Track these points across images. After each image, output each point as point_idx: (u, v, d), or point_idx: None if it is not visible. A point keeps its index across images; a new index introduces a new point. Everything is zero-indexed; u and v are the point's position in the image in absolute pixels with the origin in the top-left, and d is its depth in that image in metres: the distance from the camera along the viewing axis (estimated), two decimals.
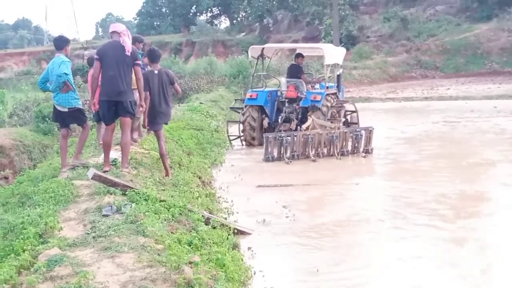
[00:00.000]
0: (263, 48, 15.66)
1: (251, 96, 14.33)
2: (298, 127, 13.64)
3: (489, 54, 39.28)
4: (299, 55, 15.05)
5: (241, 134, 14.57)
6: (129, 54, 7.50)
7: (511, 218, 8.24)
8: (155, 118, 8.60)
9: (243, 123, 14.41)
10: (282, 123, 14.06)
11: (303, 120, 13.88)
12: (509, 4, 42.21)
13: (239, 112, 15.12)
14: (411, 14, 46.92)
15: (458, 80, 35.87)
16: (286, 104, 14.28)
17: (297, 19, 56.36)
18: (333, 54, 14.90)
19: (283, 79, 15.06)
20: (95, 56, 7.66)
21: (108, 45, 7.71)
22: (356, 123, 14.98)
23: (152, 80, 8.41)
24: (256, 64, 15.78)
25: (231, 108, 16.45)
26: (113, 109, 7.64)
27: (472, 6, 46.79)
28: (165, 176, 8.54)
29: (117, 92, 7.53)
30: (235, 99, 16.90)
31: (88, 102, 14.42)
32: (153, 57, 8.70)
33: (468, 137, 15.09)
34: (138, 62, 7.69)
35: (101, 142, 8.62)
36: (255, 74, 16.09)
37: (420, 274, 6.20)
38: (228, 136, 14.91)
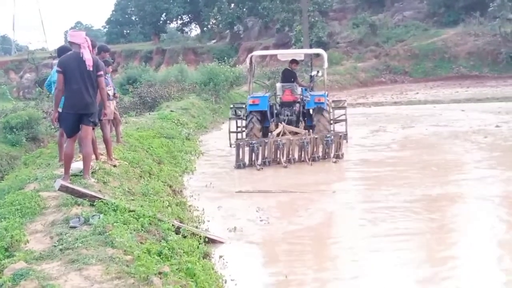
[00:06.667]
0: (252, 56, 15.98)
1: (253, 102, 14.41)
2: (310, 129, 14.07)
3: (457, 59, 39.96)
4: (294, 61, 15.53)
5: (245, 137, 14.54)
6: (91, 69, 7.46)
7: (487, 217, 8.35)
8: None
9: (247, 129, 14.46)
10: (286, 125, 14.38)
11: (308, 122, 14.61)
12: (475, 9, 43.00)
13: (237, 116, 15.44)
14: (380, 20, 47.44)
15: (427, 84, 36.38)
16: (282, 107, 14.64)
17: (268, 26, 56.53)
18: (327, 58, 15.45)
19: (278, 84, 15.44)
20: (57, 69, 7.58)
21: (70, 57, 7.56)
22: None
23: None
24: (251, 70, 15.99)
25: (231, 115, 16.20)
26: (77, 121, 7.62)
27: (439, 12, 47.54)
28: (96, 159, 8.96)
29: (84, 104, 7.51)
30: (233, 104, 16.85)
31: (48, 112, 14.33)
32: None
33: (437, 141, 15.28)
34: (100, 73, 7.65)
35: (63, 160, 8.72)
36: (253, 81, 16.37)
37: (394, 283, 6.20)
38: (230, 133, 15.07)
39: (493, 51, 39.07)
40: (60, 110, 7.67)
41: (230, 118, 15.80)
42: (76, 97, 7.47)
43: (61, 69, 7.48)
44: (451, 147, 14.29)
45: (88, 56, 7.44)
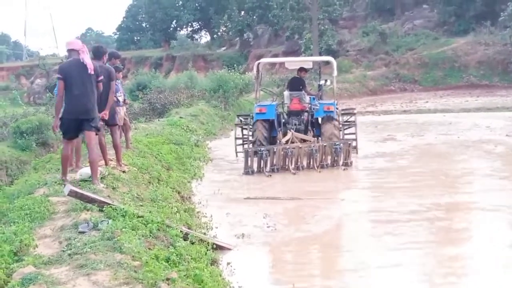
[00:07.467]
0: (259, 63, 15.68)
1: (260, 110, 14.14)
2: (318, 137, 13.77)
3: (467, 68, 39.82)
4: (302, 69, 15.22)
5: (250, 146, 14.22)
6: (92, 72, 7.53)
7: (497, 227, 8.29)
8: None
9: (254, 137, 14.18)
10: None
11: (316, 131, 14.27)
12: (486, 18, 42.89)
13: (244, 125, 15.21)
14: (390, 28, 47.40)
15: (437, 93, 36.28)
16: (290, 116, 14.36)
17: (277, 34, 56.62)
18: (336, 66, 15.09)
19: (286, 92, 15.10)
20: (58, 76, 7.63)
21: (70, 64, 7.64)
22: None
23: None
24: (258, 78, 15.64)
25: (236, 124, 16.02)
26: (77, 127, 7.71)
27: (449, 20, 47.42)
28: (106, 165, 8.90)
29: (85, 110, 7.59)
30: (238, 115, 16.70)
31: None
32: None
33: (446, 150, 15.21)
34: (101, 78, 7.75)
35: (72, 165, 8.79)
36: (259, 89, 16.04)
37: None
38: (236, 146, 14.86)
39: (503, 60, 38.95)
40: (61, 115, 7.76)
41: (236, 125, 15.60)
42: (77, 102, 7.55)
43: (62, 75, 7.53)
44: (460, 156, 14.23)
45: (88, 61, 7.55)
